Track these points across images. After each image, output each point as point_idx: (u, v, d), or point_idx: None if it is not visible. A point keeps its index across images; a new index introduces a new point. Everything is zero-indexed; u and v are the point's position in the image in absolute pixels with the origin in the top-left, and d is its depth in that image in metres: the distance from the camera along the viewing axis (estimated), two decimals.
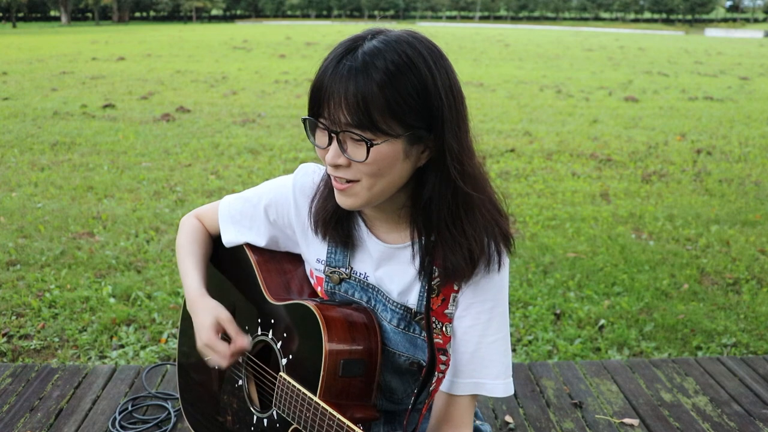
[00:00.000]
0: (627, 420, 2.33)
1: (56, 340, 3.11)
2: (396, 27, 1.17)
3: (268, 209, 1.39)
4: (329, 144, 1.10)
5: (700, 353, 3.12)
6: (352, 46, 1.08)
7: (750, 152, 7.98)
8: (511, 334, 3.26)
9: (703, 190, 6.19)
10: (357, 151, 1.08)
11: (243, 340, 1.33)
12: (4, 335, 3.12)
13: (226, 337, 1.36)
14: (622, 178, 6.61)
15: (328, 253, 1.34)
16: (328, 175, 1.25)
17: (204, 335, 1.35)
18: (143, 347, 3.05)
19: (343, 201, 1.16)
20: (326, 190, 1.28)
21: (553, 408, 2.40)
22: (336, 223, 1.28)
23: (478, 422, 1.51)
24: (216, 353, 1.33)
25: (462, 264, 1.17)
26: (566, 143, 8.26)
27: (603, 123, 9.91)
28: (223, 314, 1.36)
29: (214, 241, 1.54)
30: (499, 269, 1.21)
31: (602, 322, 3.41)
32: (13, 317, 3.32)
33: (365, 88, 1.03)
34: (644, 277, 4.01)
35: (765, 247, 4.62)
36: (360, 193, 1.13)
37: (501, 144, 8.00)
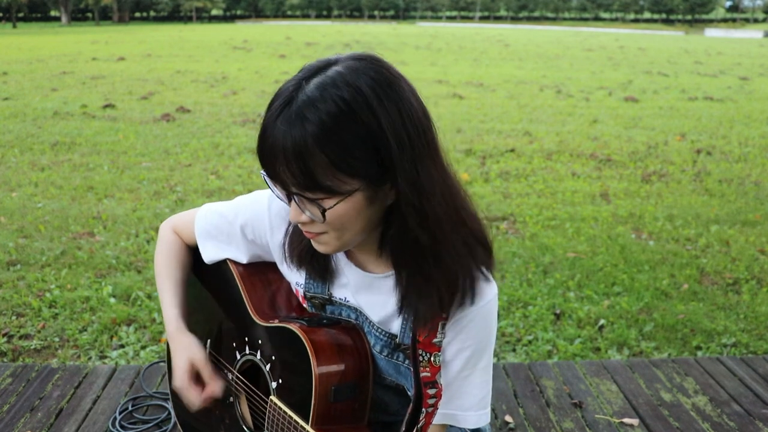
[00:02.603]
0: (627, 420, 2.33)
1: (56, 340, 3.11)
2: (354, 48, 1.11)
3: (245, 229, 1.33)
4: (289, 201, 1.06)
5: (699, 353, 3.12)
6: (289, 97, 0.98)
7: (750, 152, 7.99)
8: (511, 334, 3.26)
9: (703, 190, 6.19)
10: (315, 210, 1.02)
11: (215, 387, 1.32)
12: (4, 335, 3.12)
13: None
14: (622, 178, 6.61)
15: (306, 279, 1.30)
16: None
17: (177, 378, 1.33)
18: (143, 347, 3.05)
19: (317, 247, 1.13)
20: (298, 228, 1.22)
21: (553, 408, 2.40)
22: (312, 257, 1.23)
23: None
24: (188, 399, 1.32)
25: (428, 312, 1.12)
26: (566, 143, 8.27)
27: (603, 123, 9.91)
28: (197, 355, 1.34)
29: (193, 251, 1.48)
30: (473, 302, 1.15)
31: (602, 322, 3.41)
32: (14, 317, 3.32)
33: (303, 150, 0.95)
34: (644, 277, 4.01)
35: (765, 247, 4.62)
36: (330, 242, 1.09)
37: (501, 144, 8.00)
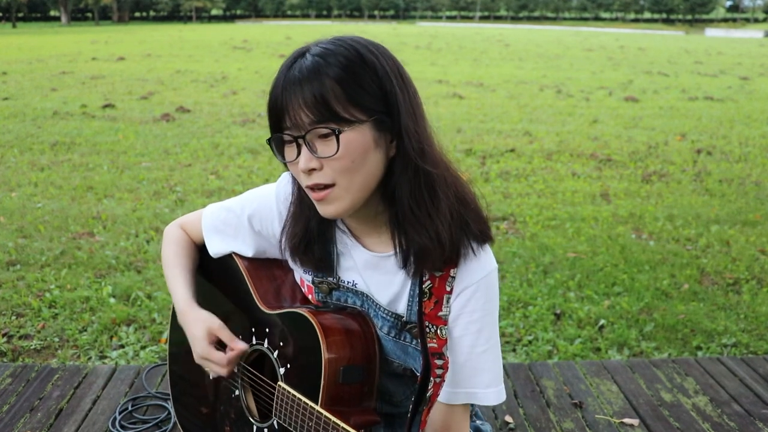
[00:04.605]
0: (627, 420, 2.33)
1: (56, 340, 3.11)
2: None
3: (252, 219, 1.37)
4: (299, 153, 1.09)
5: (700, 353, 3.12)
6: (298, 54, 1.11)
7: (750, 152, 7.98)
8: (511, 334, 3.26)
9: (703, 190, 6.19)
10: (327, 148, 1.08)
11: (239, 345, 1.32)
12: (4, 335, 3.12)
13: (222, 346, 1.35)
14: (622, 178, 6.61)
15: None
16: (297, 198, 1.24)
17: (198, 347, 1.34)
18: (143, 347, 3.05)
19: (326, 210, 1.14)
20: (292, 217, 1.26)
21: (553, 408, 2.40)
22: (305, 247, 1.26)
23: (478, 422, 1.51)
24: (214, 364, 1.32)
25: (429, 245, 1.15)
26: (566, 143, 8.26)
27: (603, 123, 9.91)
28: (214, 322, 1.35)
29: (200, 250, 1.51)
30: (475, 254, 1.20)
31: (602, 322, 3.41)
32: (13, 317, 3.32)
33: (320, 83, 1.06)
34: (644, 277, 4.00)
35: (765, 247, 4.62)
36: (341, 196, 1.11)
37: (501, 144, 7.99)
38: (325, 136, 1.07)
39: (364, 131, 1.08)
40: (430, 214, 1.14)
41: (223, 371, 1.32)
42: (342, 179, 1.10)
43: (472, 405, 1.44)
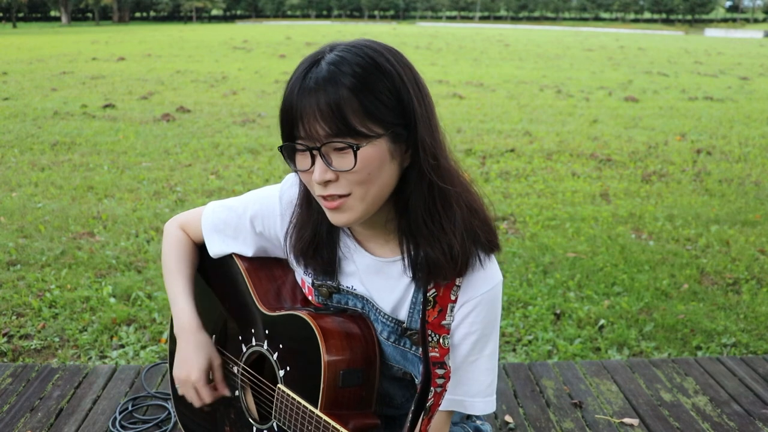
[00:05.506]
0: (627, 420, 2.33)
1: (56, 340, 3.11)
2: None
3: (254, 220, 1.36)
4: (312, 163, 1.07)
5: (699, 353, 3.12)
6: (313, 61, 1.07)
7: (750, 152, 7.98)
8: (511, 334, 3.26)
9: (703, 190, 6.19)
10: (343, 161, 1.05)
11: (225, 391, 1.41)
12: (4, 335, 3.12)
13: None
14: (622, 178, 6.61)
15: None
16: (304, 202, 1.23)
17: (194, 375, 1.37)
18: (143, 347, 3.05)
19: (338, 218, 1.13)
20: (300, 221, 1.25)
21: (553, 408, 2.40)
22: (314, 251, 1.25)
23: (478, 422, 1.51)
24: (198, 397, 1.38)
25: (441, 259, 1.14)
26: (566, 143, 8.27)
27: (603, 123, 9.91)
28: (216, 359, 1.41)
29: (200, 249, 1.50)
30: (482, 265, 1.19)
31: (602, 322, 3.41)
32: (14, 317, 3.32)
33: (337, 94, 1.02)
34: (644, 277, 4.01)
35: (765, 247, 4.62)
36: (355, 206, 1.10)
37: (501, 144, 8.00)
38: (341, 149, 1.05)
39: (381, 145, 1.06)
40: (444, 227, 1.13)
41: (197, 404, 1.39)
42: (358, 190, 1.08)
43: None
